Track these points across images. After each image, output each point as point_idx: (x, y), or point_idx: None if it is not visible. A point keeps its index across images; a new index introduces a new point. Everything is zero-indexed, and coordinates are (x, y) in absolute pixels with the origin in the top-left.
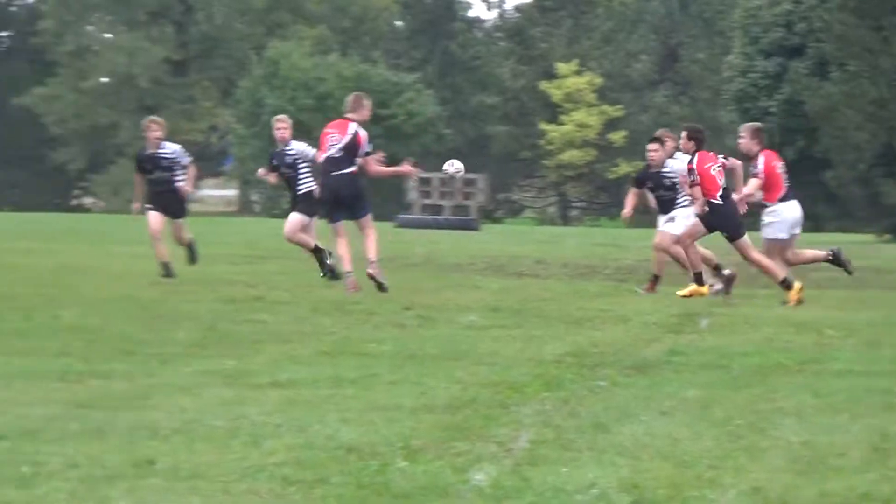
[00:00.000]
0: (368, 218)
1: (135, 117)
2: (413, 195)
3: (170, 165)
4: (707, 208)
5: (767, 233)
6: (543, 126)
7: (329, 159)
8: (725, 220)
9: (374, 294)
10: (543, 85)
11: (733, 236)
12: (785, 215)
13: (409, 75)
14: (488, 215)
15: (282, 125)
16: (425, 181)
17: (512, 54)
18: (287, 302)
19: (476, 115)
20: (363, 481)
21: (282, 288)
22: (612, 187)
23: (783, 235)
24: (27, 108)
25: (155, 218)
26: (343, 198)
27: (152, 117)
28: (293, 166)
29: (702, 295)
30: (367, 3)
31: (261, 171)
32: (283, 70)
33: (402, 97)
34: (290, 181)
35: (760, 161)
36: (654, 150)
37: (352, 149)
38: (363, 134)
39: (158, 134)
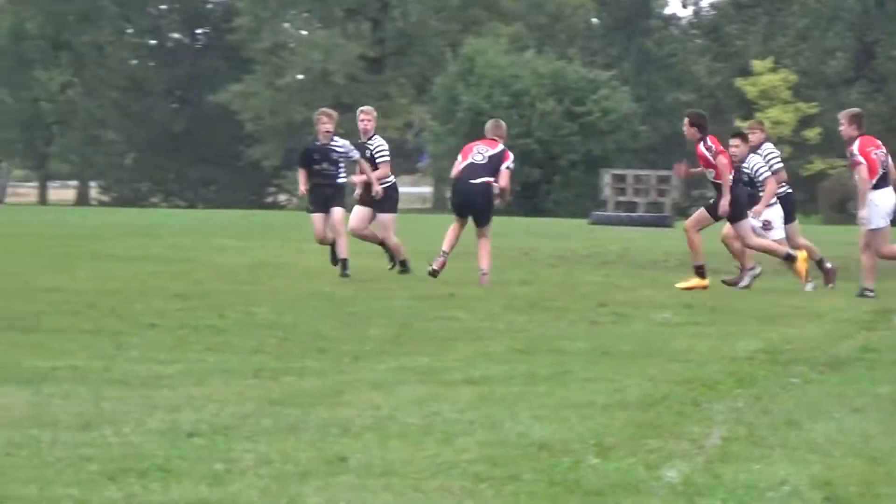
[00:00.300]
0: (488, 228)
1: None
2: (607, 192)
3: (337, 159)
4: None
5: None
6: (738, 123)
7: (472, 166)
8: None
9: (569, 291)
10: (739, 82)
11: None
12: (879, 203)
13: (604, 72)
14: (683, 212)
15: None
16: (619, 178)
17: (707, 51)
18: (480, 299)
19: (671, 112)
20: (555, 478)
21: (475, 285)
22: (806, 184)
23: (883, 224)
24: (223, 105)
25: (319, 222)
26: (476, 204)
27: (324, 109)
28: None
29: (703, 288)
30: (562, 0)
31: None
32: (479, 67)
33: (597, 94)
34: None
35: (855, 146)
36: (736, 146)
37: (497, 160)
38: (509, 153)
39: (329, 126)
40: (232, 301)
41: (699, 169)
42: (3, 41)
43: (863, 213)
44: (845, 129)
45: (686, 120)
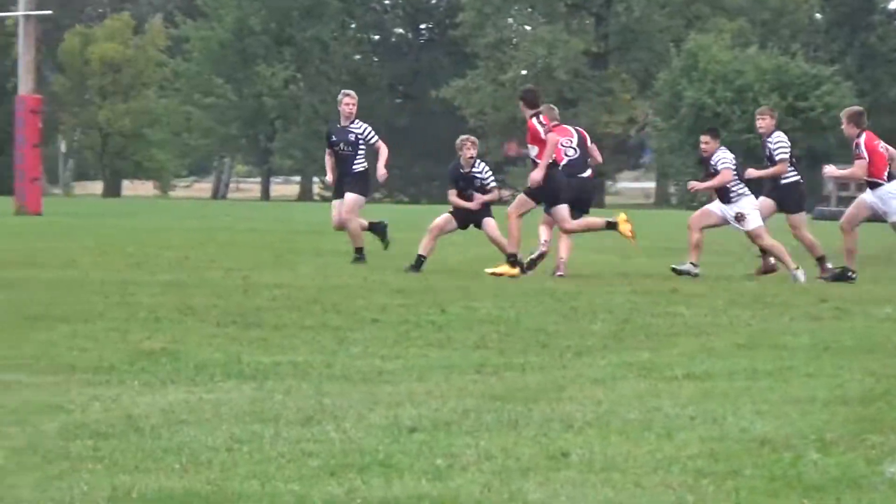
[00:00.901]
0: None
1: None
2: (830, 187)
3: (355, 142)
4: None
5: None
6: None
7: (571, 163)
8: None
9: (791, 286)
10: None
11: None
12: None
13: (827, 68)
14: None
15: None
16: None
17: None
18: (703, 294)
19: (895, 108)
20: (775, 473)
21: (698, 280)
22: None
23: None
24: (446, 100)
25: (334, 206)
26: (583, 201)
27: (346, 91)
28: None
29: (513, 276)
30: None
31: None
32: (702, 63)
33: (820, 90)
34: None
35: (862, 139)
36: (706, 143)
37: (583, 146)
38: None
39: (352, 109)
40: (454, 296)
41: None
42: (227, 37)
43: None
44: (845, 127)
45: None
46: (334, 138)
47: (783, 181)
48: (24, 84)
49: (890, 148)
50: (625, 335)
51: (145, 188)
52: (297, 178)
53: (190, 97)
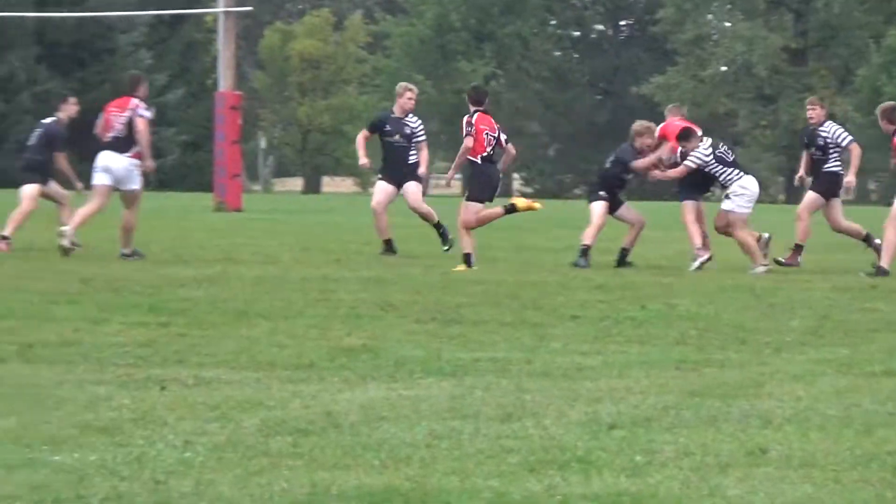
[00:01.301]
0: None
1: (752, 106)
2: None
3: (410, 135)
4: None
5: None
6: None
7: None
8: None
9: None
10: None
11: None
12: None
13: None
14: None
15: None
16: None
17: None
18: None
19: None
20: None
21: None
22: None
23: None
24: (646, 97)
25: (382, 189)
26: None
27: (409, 85)
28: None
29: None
30: None
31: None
32: None
33: None
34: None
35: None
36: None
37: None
38: None
39: (413, 104)
40: (654, 292)
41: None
42: (427, 33)
43: None
44: (883, 125)
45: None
46: (388, 128)
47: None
48: (224, 80)
49: None
50: (823, 331)
51: (345, 184)
52: None
53: (390, 94)
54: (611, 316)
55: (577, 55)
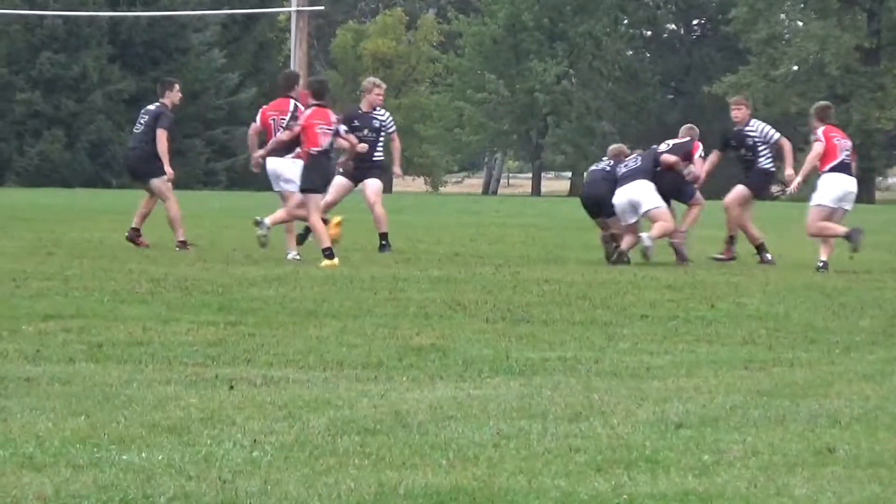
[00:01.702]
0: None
1: None
2: None
3: (379, 128)
4: None
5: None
6: None
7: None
8: None
9: None
10: None
11: None
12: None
13: None
14: None
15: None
16: None
17: None
18: None
19: None
20: None
21: None
22: None
23: (831, 204)
24: (717, 96)
25: (335, 187)
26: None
27: (377, 81)
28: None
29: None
30: None
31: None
32: None
33: None
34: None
35: (819, 131)
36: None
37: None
38: None
39: (382, 99)
40: (723, 292)
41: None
42: (499, 32)
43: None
44: (815, 123)
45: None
46: (356, 123)
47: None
48: None
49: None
50: (894, 331)
51: (416, 184)
52: (568, 174)
53: (462, 93)
54: (680, 315)
55: (648, 54)
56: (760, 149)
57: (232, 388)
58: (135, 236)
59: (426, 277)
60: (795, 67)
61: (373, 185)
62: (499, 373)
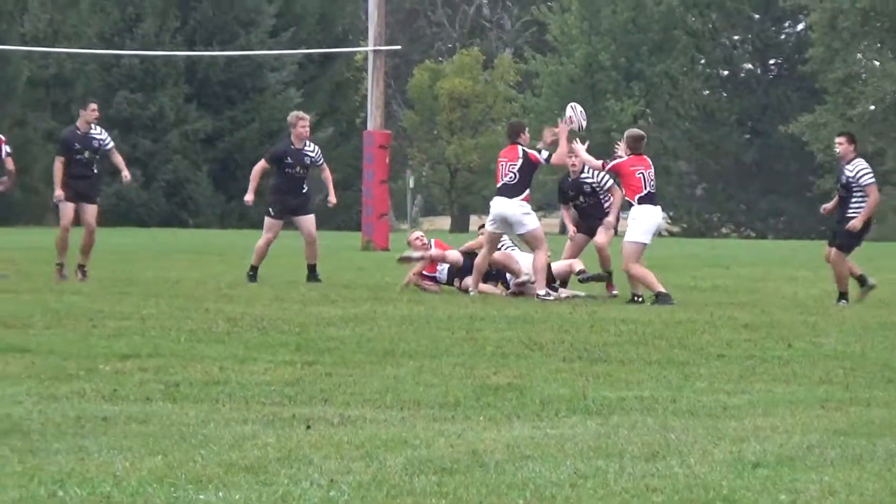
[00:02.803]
0: None
1: None
2: None
3: (310, 164)
4: None
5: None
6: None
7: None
8: None
9: None
10: None
11: None
12: (642, 217)
13: None
14: None
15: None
16: None
17: None
18: None
19: None
20: None
21: None
22: None
23: (645, 239)
24: (794, 135)
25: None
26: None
27: (301, 114)
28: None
29: None
30: None
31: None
32: None
33: None
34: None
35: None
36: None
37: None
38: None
39: (308, 131)
40: (800, 331)
41: None
42: (576, 72)
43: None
44: (624, 150)
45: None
46: (290, 160)
47: None
48: (373, 119)
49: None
50: None
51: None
52: None
53: (537, 132)
54: (756, 355)
55: (725, 94)
56: (854, 190)
57: (309, 427)
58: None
59: (503, 317)
60: (872, 107)
61: (311, 221)
62: (576, 412)
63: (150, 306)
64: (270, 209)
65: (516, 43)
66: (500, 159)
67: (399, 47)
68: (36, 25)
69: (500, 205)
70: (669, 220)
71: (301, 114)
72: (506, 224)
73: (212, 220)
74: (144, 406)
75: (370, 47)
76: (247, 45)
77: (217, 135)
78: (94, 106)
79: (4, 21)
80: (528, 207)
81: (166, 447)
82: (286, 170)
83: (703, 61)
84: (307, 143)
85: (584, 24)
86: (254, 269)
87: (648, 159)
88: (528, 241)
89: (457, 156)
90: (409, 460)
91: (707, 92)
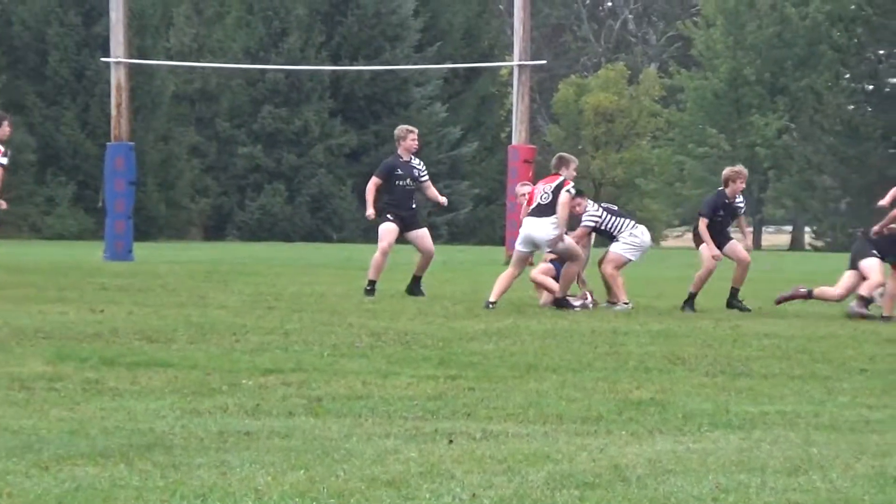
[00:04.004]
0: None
1: None
2: None
3: (418, 177)
4: None
5: None
6: None
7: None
8: None
9: None
10: None
11: None
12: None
13: None
14: None
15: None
16: None
17: None
18: None
19: None
20: None
21: None
22: None
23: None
24: None
25: (391, 230)
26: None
27: (410, 127)
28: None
29: None
30: None
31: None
32: None
33: None
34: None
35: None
36: None
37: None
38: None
39: (417, 145)
40: None
41: None
42: (721, 86)
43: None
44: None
45: None
46: (400, 172)
47: None
48: (518, 134)
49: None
50: None
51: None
52: (789, 228)
53: (683, 147)
54: None
55: (870, 108)
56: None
57: (451, 441)
58: None
59: (646, 331)
60: None
61: (426, 235)
62: (718, 426)
63: (293, 321)
64: (386, 215)
65: (661, 58)
66: (536, 185)
67: (545, 62)
68: (181, 40)
69: (530, 225)
70: (814, 235)
71: (410, 127)
72: (534, 244)
73: (356, 235)
74: (287, 421)
75: (516, 62)
76: (392, 59)
77: (362, 149)
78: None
79: (150, 36)
80: (557, 225)
81: (308, 462)
82: (397, 182)
83: (847, 76)
84: (413, 157)
85: (728, 38)
86: (371, 283)
87: (556, 176)
88: (562, 255)
89: (602, 170)
90: (550, 475)
91: (852, 106)
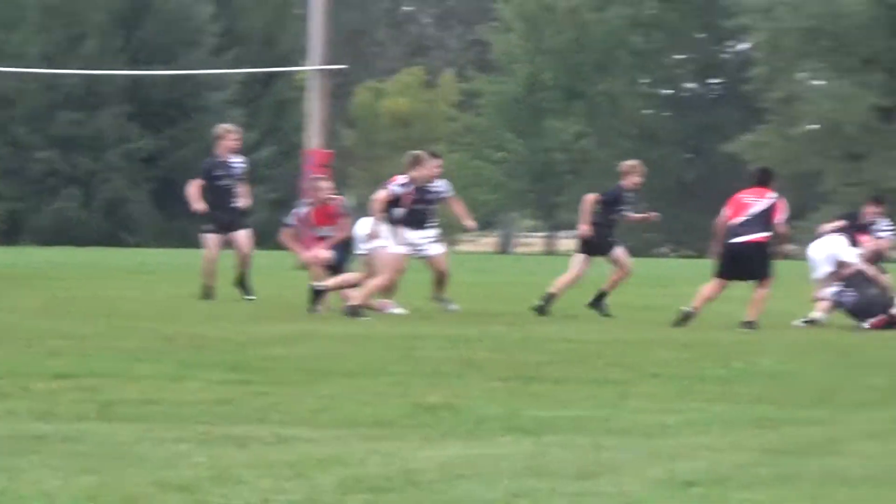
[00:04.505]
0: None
1: (840, 165)
2: None
3: (240, 176)
4: None
5: None
6: None
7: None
8: None
9: None
10: None
11: None
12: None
13: None
14: None
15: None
16: None
17: None
18: None
19: None
20: None
21: None
22: None
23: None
24: (734, 154)
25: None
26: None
27: (230, 127)
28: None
29: None
30: None
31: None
32: None
33: None
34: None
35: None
36: None
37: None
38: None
39: (238, 144)
40: (738, 351)
41: None
42: (519, 91)
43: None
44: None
45: None
46: (218, 171)
47: None
48: (314, 138)
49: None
50: None
51: None
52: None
53: (480, 152)
54: (694, 374)
55: (667, 113)
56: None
57: (242, 446)
58: None
59: (441, 336)
60: (813, 126)
61: (246, 236)
62: (510, 431)
63: (87, 325)
64: (207, 224)
65: (459, 62)
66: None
67: (345, 66)
68: None
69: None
70: None
71: (229, 126)
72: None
73: (150, 239)
74: (78, 425)
75: (312, 66)
76: (188, 64)
77: (158, 154)
78: None
79: None
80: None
81: (98, 466)
82: (215, 181)
83: (645, 80)
84: (235, 156)
85: (527, 43)
86: (207, 287)
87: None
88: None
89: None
90: (342, 479)
91: (649, 111)
